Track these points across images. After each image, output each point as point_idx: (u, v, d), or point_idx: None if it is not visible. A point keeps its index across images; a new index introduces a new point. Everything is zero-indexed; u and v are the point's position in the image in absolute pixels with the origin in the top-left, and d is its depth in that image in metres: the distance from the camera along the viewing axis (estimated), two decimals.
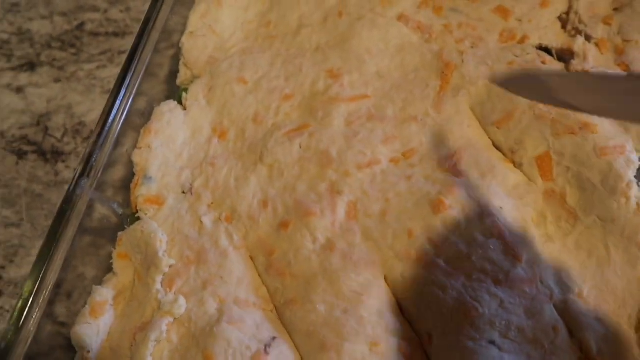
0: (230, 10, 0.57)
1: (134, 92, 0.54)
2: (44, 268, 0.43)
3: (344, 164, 0.48)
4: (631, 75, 0.34)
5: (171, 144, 0.51)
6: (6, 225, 0.57)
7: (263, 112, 0.52)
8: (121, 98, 0.51)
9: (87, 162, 0.47)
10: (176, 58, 0.59)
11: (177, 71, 0.59)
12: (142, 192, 0.49)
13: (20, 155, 0.60)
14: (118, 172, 0.56)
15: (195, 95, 0.53)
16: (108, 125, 0.49)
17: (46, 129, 0.62)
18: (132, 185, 0.50)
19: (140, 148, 0.50)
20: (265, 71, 0.54)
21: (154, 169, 0.50)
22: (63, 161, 0.60)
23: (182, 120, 0.52)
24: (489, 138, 0.50)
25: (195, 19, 0.56)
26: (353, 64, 0.53)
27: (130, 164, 0.53)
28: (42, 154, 0.60)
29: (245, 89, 0.53)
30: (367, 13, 0.56)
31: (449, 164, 0.48)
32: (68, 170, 0.59)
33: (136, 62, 0.52)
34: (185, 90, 0.55)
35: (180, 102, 0.55)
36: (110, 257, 0.50)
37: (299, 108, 0.52)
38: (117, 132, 0.50)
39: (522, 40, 0.54)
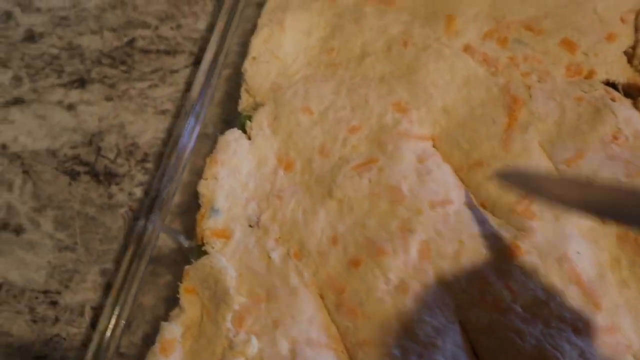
0: (293, 35, 0.57)
1: (197, 117, 0.54)
2: (118, 307, 0.43)
3: (416, 202, 0.48)
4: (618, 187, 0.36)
5: (237, 175, 0.51)
6: (60, 248, 0.57)
7: (330, 143, 0.51)
8: (189, 128, 0.50)
9: (157, 196, 0.46)
10: (232, 80, 0.59)
11: (233, 93, 0.58)
12: (209, 225, 0.48)
13: (73, 175, 0.60)
14: (175, 198, 0.56)
15: (260, 124, 0.52)
16: (176, 157, 0.49)
17: (99, 149, 0.61)
18: (198, 217, 0.49)
19: (207, 179, 0.50)
20: (330, 101, 0.53)
21: (221, 201, 0.49)
22: (117, 183, 0.59)
23: (247, 149, 0.52)
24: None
25: (258, 44, 0.56)
26: (420, 98, 0.53)
27: (188, 189, 0.53)
28: (95, 175, 0.60)
29: (311, 119, 0.52)
30: (432, 43, 0.55)
31: (522, 207, 0.48)
32: (122, 194, 0.59)
33: (203, 89, 0.52)
34: (248, 117, 0.55)
35: (243, 130, 0.54)
36: (169, 286, 0.50)
37: (367, 140, 0.51)
38: (184, 163, 0.49)
39: (589, 75, 0.54)
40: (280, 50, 0.56)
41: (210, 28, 0.68)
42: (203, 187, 0.50)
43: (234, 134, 0.52)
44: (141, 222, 0.46)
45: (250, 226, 0.49)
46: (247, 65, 0.55)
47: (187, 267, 0.47)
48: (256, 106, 0.55)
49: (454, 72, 0.54)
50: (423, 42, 0.55)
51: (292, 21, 0.57)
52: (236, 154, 0.51)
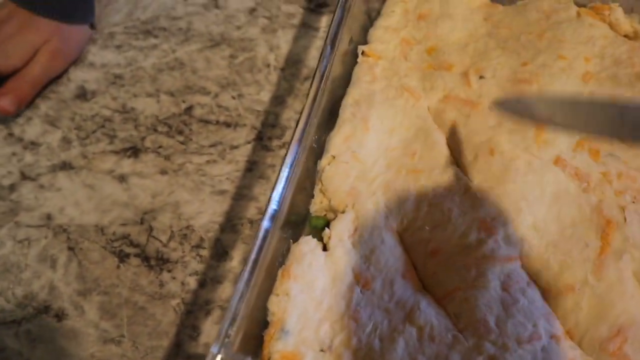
0: (376, 134, 0.54)
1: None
2: None
3: (503, 337, 0.45)
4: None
5: (311, 291, 0.47)
6: (105, 340, 0.53)
7: (410, 267, 0.48)
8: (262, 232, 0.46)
9: (231, 324, 0.43)
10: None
11: (303, 185, 0.54)
12: (278, 348, 0.45)
13: (122, 257, 0.57)
14: (226, 290, 0.53)
15: (341, 235, 0.49)
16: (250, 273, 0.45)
17: (150, 228, 0.58)
18: (265, 337, 0.46)
19: (278, 295, 0.47)
20: (409, 219, 0.50)
21: (293, 321, 0.46)
22: (169, 270, 0.56)
23: (322, 262, 0.49)
24: None
25: (338, 142, 0.53)
26: (508, 214, 0.50)
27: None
28: (145, 258, 0.57)
29: (394, 238, 0.49)
30: (521, 153, 0.52)
31: (613, 347, 0.45)
32: (174, 282, 0.56)
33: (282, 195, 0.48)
34: (319, 219, 0.52)
35: (313, 233, 0.51)
36: None
37: (447, 265, 0.48)
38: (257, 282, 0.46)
39: None
40: (362, 151, 0.53)
41: (274, 100, 0.65)
42: (274, 305, 0.46)
43: (309, 244, 0.49)
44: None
45: (321, 350, 0.46)
46: (325, 164, 0.52)
47: None
48: (329, 209, 0.52)
49: (544, 186, 0.51)
50: (512, 151, 0.52)
51: (377, 119, 0.54)
52: (311, 267, 0.48)
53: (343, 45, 0.59)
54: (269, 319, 0.47)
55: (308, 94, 0.51)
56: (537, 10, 0.63)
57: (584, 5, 0.64)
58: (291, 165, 0.49)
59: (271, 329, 0.46)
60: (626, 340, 0.45)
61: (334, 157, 0.53)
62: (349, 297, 0.48)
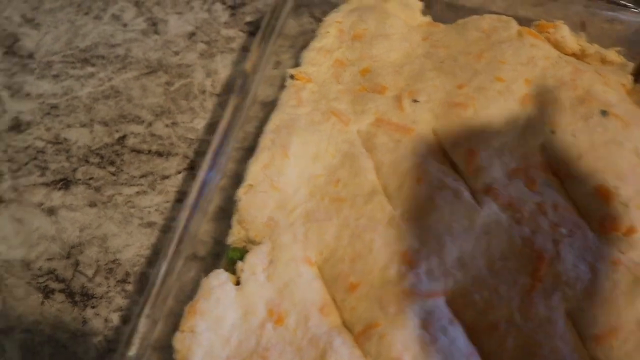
0: (297, 161, 0.53)
1: (181, 237, 0.51)
2: None
3: None
4: None
5: (219, 328, 0.47)
6: None
7: (330, 302, 0.48)
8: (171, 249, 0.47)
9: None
10: (227, 191, 0.55)
11: (227, 209, 0.55)
12: None
13: (47, 293, 0.57)
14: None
15: (253, 267, 0.49)
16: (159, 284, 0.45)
17: (77, 263, 0.59)
18: None
19: (183, 331, 0.46)
20: (330, 250, 0.50)
21: (197, 359, 0.46)
22: (92, 307, 0.56)
23: (233, 296, 0.48)
24: (588, 355, 0.45)
25: (256, 170, 0.52)
26: (432, 247, 0.49)
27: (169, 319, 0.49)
28: (70, 294, 0.57)
29: (312, 271, 0.49)
30: (450, 181, 0.51)
31: None
32: (97, 319, 0.56)
33: (196, 204, 0.49)
34: (236, 251, 0.52)
35: (230, 264, 0.51)
36: None
37: (366, 300, 0.47)
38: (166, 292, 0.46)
39: (628, 232, 0.49)
40: (281, 179, 0.52)
41: (208, 127, 0.65)
42: (178, 342, 0.46)
43: (218, 277, 0.49)
44: None
45: None
46: (242, 193, 0.52)
47: None
48: (247, 240, 0.52)
49: (473, 217, 0.50)
50: (439, 179, 0.52)
51: (298, 146, 0.53)
52: (219, 302, 0.48)
53: (276, 69, 0.60)
54: (174, 356, 0.47)
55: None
56: (476, 28, 0.62)
57: (529, 24, 0.63)
58: (198, 194, 0.49)
59: None
60: None
61: (251, 185, 0.52)
62: (260, 333, 0.47)
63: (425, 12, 0.65)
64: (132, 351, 0.44)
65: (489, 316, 0.47)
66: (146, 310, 0.45)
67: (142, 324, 0.44)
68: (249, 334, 0.48)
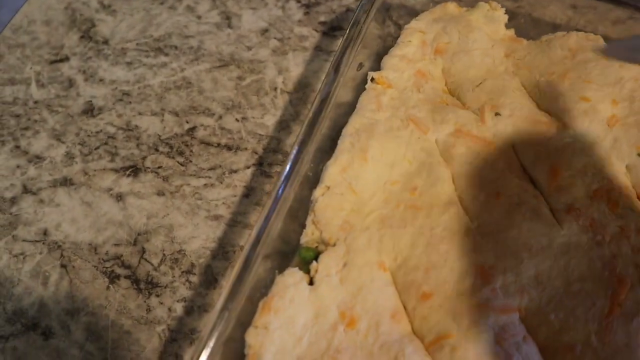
0: (375, 166, 0.54)
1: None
2: None
3: None
4: None
5: (291, 326, 0.48)
6: None
7: (401, 309, 0.48)
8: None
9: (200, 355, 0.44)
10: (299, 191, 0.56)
11: (296, 214, 0.56)
12: None
13: (112, 278, 0.59)
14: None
15: (328, 269, 0.50)
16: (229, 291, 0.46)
17: (143, 250, 0.60)
18: None
19: (257, 327, 0.47)
20: (404, 257, 0.50)
21: (269, 356, 0.47)
22: (157, 295, 0.58)
23: (306, 296, 0.49)
24: None
25: (334, 172, 0.53)
26: (508, 262, 0.49)
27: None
28: (135, 281, 0.59)
29: (385, 277, 0.49)
30: (530, 198, 0.52)
31: None
32: (161, 308, 0.57)
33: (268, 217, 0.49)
34: (309, 251, 0.52)
35: (302, 264, 0.52)
36: None
37: (439, 311, 0.48)
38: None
39: None
40: (359, 183, 0.53)
41: (278, 125, 0.66)
42: (251, 337, 0.47)
43: (294, 276, 0.50)
44: None
45: None
46: (318, 194, 0.53)
47: None
48: (320, 241, 0.53)
49: (553, 236, 0.50)
50: (518, 195, 0.52)
51: (377, 151, 0.54)
52: (293, 301, 0.48)
53: (351, 70, 0.60)
54: (245, 351, 0.47)
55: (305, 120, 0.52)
56: (562, 47, 0.62)
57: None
58: (281, 193, 0.50)
59: None
60: None
61: (328, 187, 0.53)
62: (331, 335, 0.48)
63: (508, 25, 0.65)
64: (210, 344, 0.44)
65: (565, 337, 0.47)
66: (228, 305, 0.46)
67: (223, 318, 0.45)
68: (320, 336, 0.48)
